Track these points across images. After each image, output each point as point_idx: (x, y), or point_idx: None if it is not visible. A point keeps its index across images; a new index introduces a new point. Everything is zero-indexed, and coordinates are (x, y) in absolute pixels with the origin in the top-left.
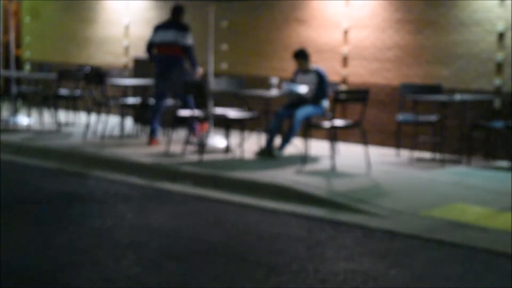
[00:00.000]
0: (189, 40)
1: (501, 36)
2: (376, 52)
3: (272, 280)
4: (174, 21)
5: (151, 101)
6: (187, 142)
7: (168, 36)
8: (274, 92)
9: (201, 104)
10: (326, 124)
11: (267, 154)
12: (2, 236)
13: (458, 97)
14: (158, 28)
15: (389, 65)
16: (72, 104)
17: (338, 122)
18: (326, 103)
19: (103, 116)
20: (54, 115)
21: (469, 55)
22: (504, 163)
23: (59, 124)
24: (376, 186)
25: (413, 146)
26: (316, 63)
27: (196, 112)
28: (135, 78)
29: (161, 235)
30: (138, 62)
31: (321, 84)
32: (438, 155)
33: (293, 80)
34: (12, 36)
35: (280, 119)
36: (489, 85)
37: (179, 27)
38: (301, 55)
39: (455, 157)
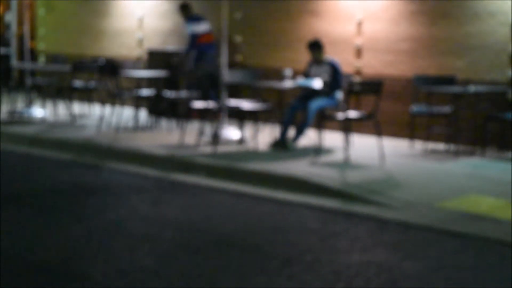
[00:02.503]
0: None
1: None
2: (390, 44)
3: (286, 272)
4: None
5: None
6: (201, 133)
7: (207, 25)
8: (288, 83)
9: (215, 95)
10: (340, 116)
11: (281, 146)
12: (18, 228)
13: (472, 88)
14: (195, 20)
15: (402, 57)
16: (86, 96)
17: (352, 114)
18: (339, 95)
19: (117, 108)
20: (69, 107)
21: (483, 46)
22: None
23: (73, 116)
24: (390, 177)
25: (427, 138)
26: (329, 55)
27: (211, 104)
28: (149, 70)
29: (175, 227)
30: (152, 54)
31: (335, 75)
32: (452, 147)
33: (307, 72)
34: (26, 28)
35: (294, 110)
36: (503, 76)
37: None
38: (316, 46)
39: (469, 149)
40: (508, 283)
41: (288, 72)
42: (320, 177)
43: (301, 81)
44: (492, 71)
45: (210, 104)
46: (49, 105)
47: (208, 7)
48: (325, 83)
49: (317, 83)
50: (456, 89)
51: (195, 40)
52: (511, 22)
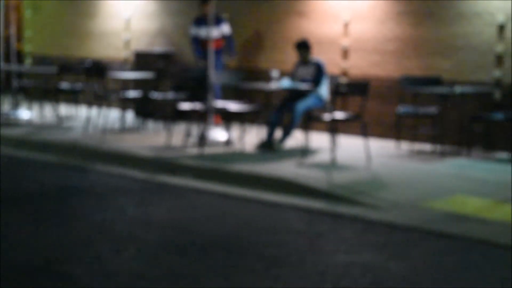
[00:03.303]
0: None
1: (501, 28)
2: (377, 45)
3: (272, 273)
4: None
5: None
6: (188, 135)
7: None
8: (274, 85)
9: (202, 97)
10: (327, 117)
11: (268, 147)
12: (3, 230)
13: (459, 89)
14: (195, 23)
15: (389, 58)
16: (73, 97)
17: (339, 115)
18: (325, 94)
19: (104, 110)
20: (55, 109)
21: (469, 47)
22: (504, 155)
23: (60, 118)
24: (376, 178)
25: (413, 138)
26: (316, 55)
27: (198, 106)
28: (136, 71)
29: (161, 228)
30: (139, 56)
31: (317, 74)
32: (438, 147)
33: (294, 72)
34: (13, 30)
35: (280, 112)
36: (489, 77)
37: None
38: (303, 46)
39: (455, 149)
40: (494, 283)
41: (275, 73)
42: (307, 178)
43: (285, 83)
44: (478, 72)
45: (197, 105)
46: (36, 107)
47: (194, 8)
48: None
49: (302, 86)
50: (442, 89)
51: (194, 44)
52: (497, 23)
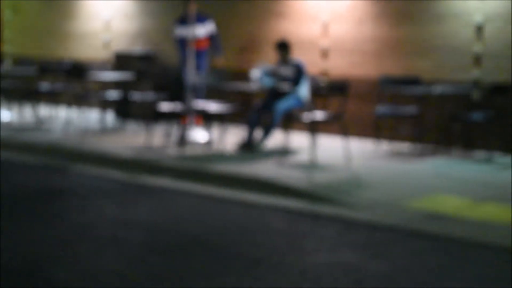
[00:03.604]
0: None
1: (479, 28)
2: (356, 45)
3: (253, 273)
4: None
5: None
6: (168, 135)
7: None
8: (254, 85)
9: (180, 98)
10: (306, 117)
11: (248, 147)
12: None
13: (437, 89)
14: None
15: (368, 58)
16: (53, 98)
17: (318, 115)
18: (305, 95)
19: (84, 111)
20: (35, 110)
21: (447, 47)
22: (482, 154)
23: (40, 119)
24: (356, 178)
25: (392, 138)
26: (296, 56)
27: (178, 107)
28: (116, 72)
29: (142, 229)
30: (119, 57)
31: (296, 75)
32: (417, 147)
33: (274, 72)
34: None
35: (260, 112)
36: (467, 77)
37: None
38: (283, 46)
39: (434, 149)
40: (474, 283)
41: (255, 72)
42: (287, 178)
43: (266, 80)
44: (456, 72)
45: (177, 106)
46: (15, 108)
47: (174, 9)
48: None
49: (282, 86)
50: (421, 89)
51: (180, 45)
52: (475, 23)
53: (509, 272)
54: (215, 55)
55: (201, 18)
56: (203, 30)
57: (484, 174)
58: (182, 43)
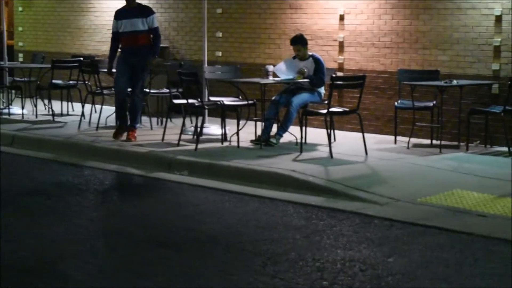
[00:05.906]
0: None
1: (498, 20)
2: (373, 38)
3: (270, 269)
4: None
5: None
6: (183, 131)
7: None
8: (270, 79)
9: (195, 92)
10: (323, 111)
11: (264, 142)
12: None
13: (455, 82)
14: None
15: (385, 51)
16: (66, 94)
17: (335, 109)
18: (322, 90)
19: (97, 106)
20: (48, 106)
21: (466, 40)
22: (502, 148)
23: (53, 115)
24: (374, 173)
25: (411, 132)
26: (312, 50)
27: (192, 101)
28: None
29: (157, 225)
30: None
31: (317, 71)
32: (436, 141)
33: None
34: (4, 27)
35: (276, 107)
36: (486, 70)
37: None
38: (300, 42)
39: (453, 143)
40: (493, 278)
41: (271, 68)
42: (304, 173)
43: (285, 75)
44: (476, 65)
45: (191, 101)
46: (29, 103)
47: (187, 2)
48: (309, 78)
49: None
50: (440, 83)
51: (112, 41)
52: (495, 15)
53: None
54: (150, 55)
55: (144, 12)
56: (141, 25)
57: (503, 168)
58: (114, 39)
